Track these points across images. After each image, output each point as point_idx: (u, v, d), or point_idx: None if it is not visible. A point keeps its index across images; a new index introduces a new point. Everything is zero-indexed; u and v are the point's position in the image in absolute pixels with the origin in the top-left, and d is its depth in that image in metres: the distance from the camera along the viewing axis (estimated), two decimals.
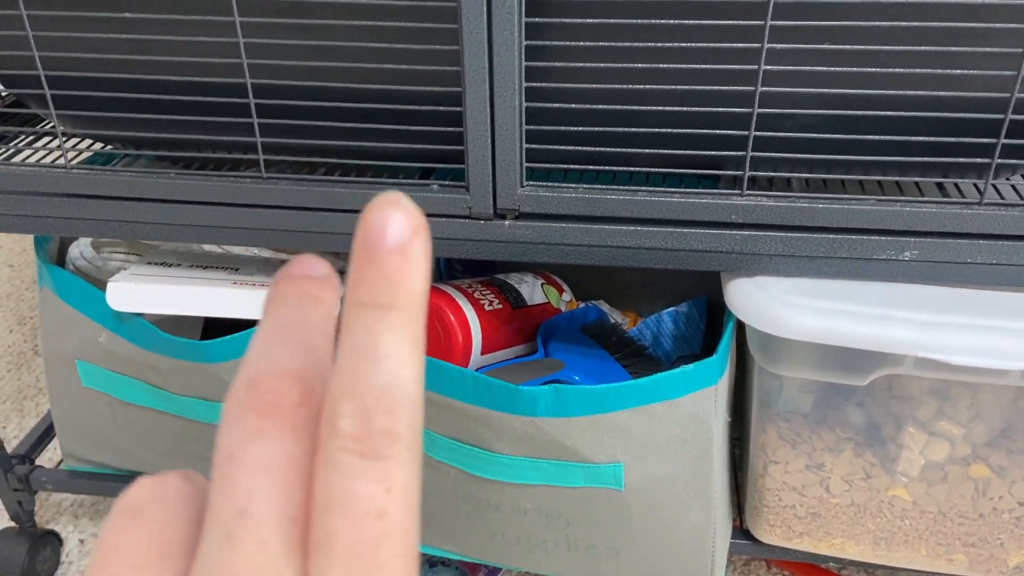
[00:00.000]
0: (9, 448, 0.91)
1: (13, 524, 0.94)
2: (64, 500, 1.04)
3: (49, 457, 1.07)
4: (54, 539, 0.97)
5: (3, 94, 0.75)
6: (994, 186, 0.66)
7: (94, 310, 0.75)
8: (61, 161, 0.67)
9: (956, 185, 0.69)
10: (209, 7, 0.60)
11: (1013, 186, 0.66)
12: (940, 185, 0.68)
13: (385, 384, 0.15)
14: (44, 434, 0.95)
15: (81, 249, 0.84)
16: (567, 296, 0.90)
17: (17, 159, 0.70)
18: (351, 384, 0.15)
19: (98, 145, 0.74)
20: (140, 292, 0.71)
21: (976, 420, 0.66)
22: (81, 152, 0.70)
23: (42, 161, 0.69)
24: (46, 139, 0.74)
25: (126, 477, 0.88)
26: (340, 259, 0.87)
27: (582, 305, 0.90)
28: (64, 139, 0.67)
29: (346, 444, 0.15)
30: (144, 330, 0.74)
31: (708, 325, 0.90)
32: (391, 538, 0.15)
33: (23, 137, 0.73)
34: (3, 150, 0.70)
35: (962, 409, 0.66)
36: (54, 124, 0.66)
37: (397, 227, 0.16)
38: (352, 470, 0.15)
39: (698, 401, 0.63)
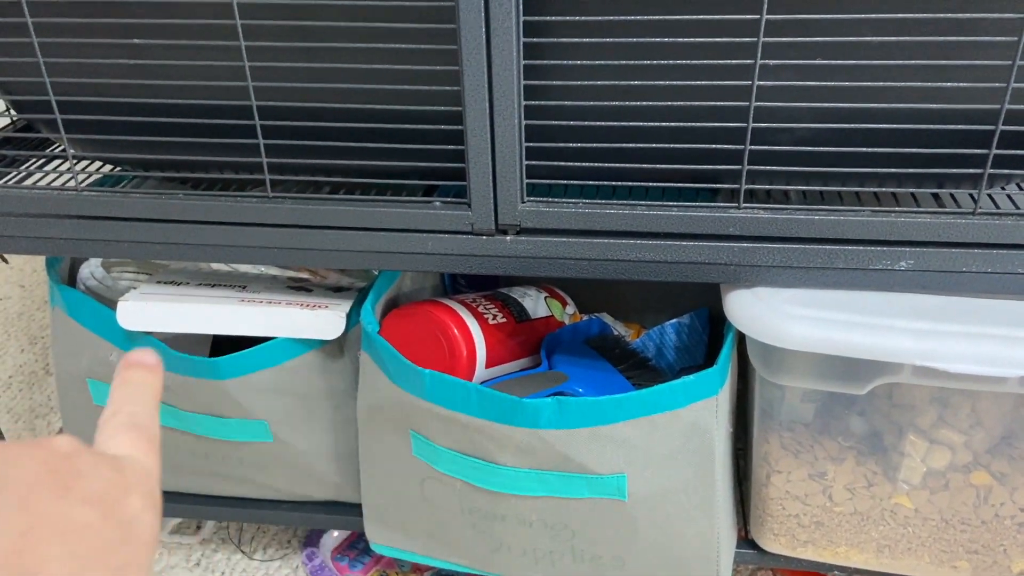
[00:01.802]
0: None
1: None
2: None
3: None
4: None
5: (15, 119, 0.76)
6: (990, 196, 0.67)
7: (105, 329, 0.76)
8: (71, 184, 0.68)
9: (952, 195, 0.69)
10: (215, 32, 0.61)
11: (1009, 195, 0.67)
12: (936, 196, 0.69)
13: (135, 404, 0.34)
14: None
15: (92, 269, 0.86)
16: (571, 309, 0.91)
17: (28, 182, 0.72)
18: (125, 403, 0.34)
19: (107, 167, 0.76)
20: (150, 311, 0.72)
21: (977, 427, 0.66)
22: (91, 175, 0.72)
23: (53, 184, 0.71)
24: (56, 162, 0.75)
25: None
26: (346, 275, 0.88)
27: (586, 318, 0.91)
28: (74, 162, 0.69)
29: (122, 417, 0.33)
30: (154, 348, 0.75)
31: (711, 336, 0.91)
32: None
33: (34, 160, 0.75)
34: (15, 174, 0.72)
35: (962, 417, 0.66)
36: (64, 147, 0.68)
37: (151, 356, 0.36)
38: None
39: (699, 412, 0.64)
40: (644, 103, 0.60)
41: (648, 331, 0.90)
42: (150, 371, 0.35)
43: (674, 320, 0.90)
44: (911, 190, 0.65)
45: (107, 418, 0.32)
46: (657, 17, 0.56)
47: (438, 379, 0.65)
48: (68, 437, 0.28)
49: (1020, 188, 0.68)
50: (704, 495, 0.67)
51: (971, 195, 0.62)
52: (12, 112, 0.71)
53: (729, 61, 0.57)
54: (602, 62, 0.59)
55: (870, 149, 0.59)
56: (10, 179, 0.72)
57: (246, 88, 0.62)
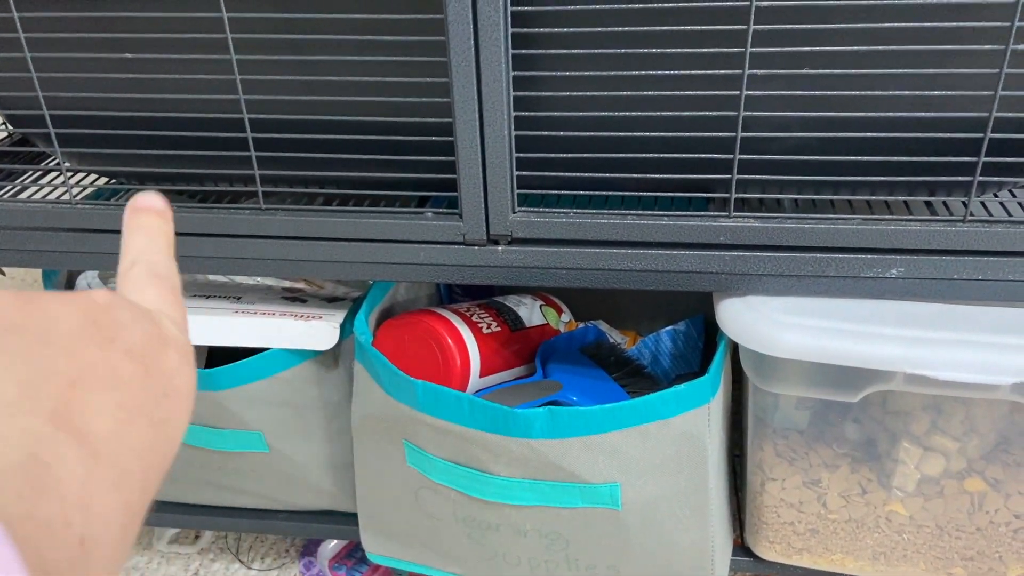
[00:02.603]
0: None
1: None
2: None
3: None
4: None
5: (11, 132, 0.77)
6: (982, 203, 0.67)
7: None
8: (66, 197, 0.69)
9: (944, 203, 0.69)
10: (207, 46, 0.62)
11: (1001, 203, 0.67)
12: (929, 203, 0.69)
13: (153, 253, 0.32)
14: None
15: (89, 280, 0.86)
16: (566, 317, 0.91)
17: (23, 196, 0.72)
18: (142, 252, 0.31)
19: (102, 180, 0.76)
20: None
21: (970, 434, 0.66)
22: (85, 188, 0.72)
23: (47, 197, 0.71)
24: (52, 175, 0.76)
25: None
26: (342, 285, 0.88)
27: (581, 326, 0.91)
28: (69, 175, 0.69)
29: (141, 267, 0.31)
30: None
31: (706, 343, 0.91)
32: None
33: (29, 174, 0.75)
34: (10, 187, 0.72)
35: (956, 423, 0.66)
36: (59, 161, 0.68)
37: (156, 200, 0.33)
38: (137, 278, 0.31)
39: (691, 420, 0.64)
40: (634, 113, 0.60)
41: (644, 338, 0.90)
42: (160, 216, 0.32)
43: (669, 327, 0.90)
44: (903, 198, 0.65)
45: (126, 269, 0.30)
46: (646, 28, 0.57)
47: (430, 389, 0.65)
48: (105, 290, 0.27)
49: (1013, 195, 0.68)
50: (698, 503, 0.67)
51: (963, 202, 0.62)
52: (8, 126, 0.71)
53: (718, 71, 0.57)
54: (592, 73, 0.59)
55: (860, 158, 0.59)
56: (6, 193, 0.72)
57: (238, 101, 0.62)
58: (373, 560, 0.82)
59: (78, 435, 0.21)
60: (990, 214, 0.64)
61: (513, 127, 0.60)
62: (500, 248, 0.65)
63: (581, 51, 0.58)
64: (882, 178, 0.61)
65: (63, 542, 0.20)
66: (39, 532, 0.19)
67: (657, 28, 0.56)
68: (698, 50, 0.57)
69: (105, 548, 0.21)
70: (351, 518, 0.83)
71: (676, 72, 0.58)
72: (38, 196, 0.72)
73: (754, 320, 0.63)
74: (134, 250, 0.31)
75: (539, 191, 0.64)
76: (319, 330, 0.73)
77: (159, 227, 0.32)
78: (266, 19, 0.60)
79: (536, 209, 0.64)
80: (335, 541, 0.97)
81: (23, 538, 0.19)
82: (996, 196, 0.67)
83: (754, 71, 0.57)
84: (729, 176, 0.61)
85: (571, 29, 0.57)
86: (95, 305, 0.25)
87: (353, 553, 0.97)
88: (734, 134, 0.59)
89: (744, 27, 0.55)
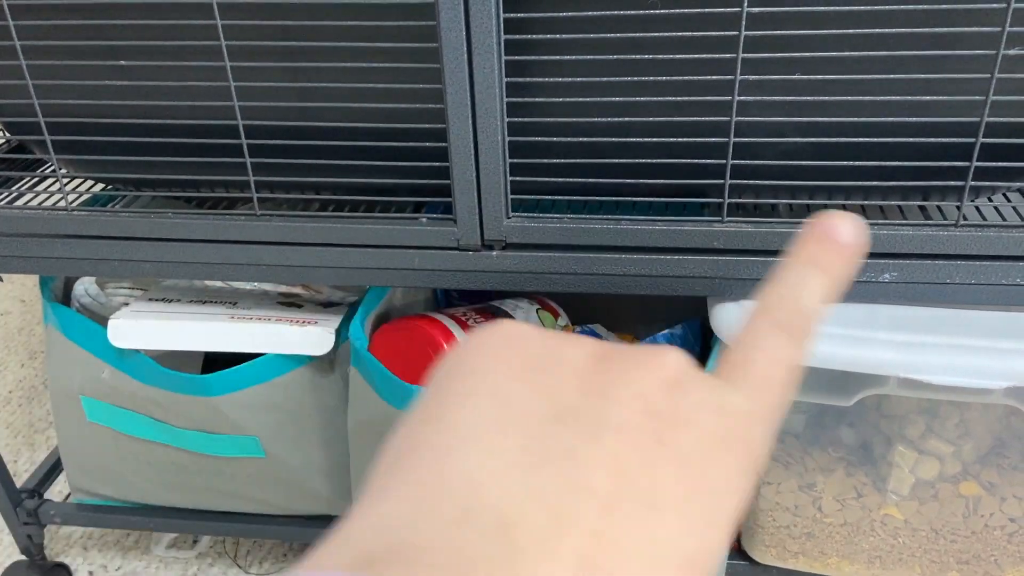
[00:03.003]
0: (20, 481, 0.93)
1: (24, 557, 0.96)
2: (74, 532, 1.06)
3: (59, 490, 1.08)
4: (64, 572, 0.98)
5: (8, 138, 0.77)
6: (976, 207, 0.67)
7: (97, 347, 0.77)
8: (62, 204, 0.69)
9: (938, 207, 0.70)
10: (202, 52, 0.62)
11: (995, 207, 0.67)
12: (923, 208, 0.69)
13: (804, 306, 0.24)
14: (53, 468, 0.97)
15: (86, 286, 0.86)
16: (563, 321, 0.91)
17: (20, 202, 0.72)
18: (790, 298, 0.24)
19: (98, 187, 0.76)
20: (140, 329, 0.73)
21: (965, 438, 0.66)
22: (82, 195, 0.73)
23: (44, 204, 0.71)
24: (48, 182, 0.76)
25: (132, 510, 0.89)
26: (339, 289, 0.88)
27: (578, 330, 0.91)
28: (65, 181, 0.69)
29: (776, 323, 0.24)
30: (145, 365, 0.76)
31: (703, 346, 0.91)
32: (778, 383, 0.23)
33: (26, 180, 0.75)
34: (6, 194, 0.73)
35: (950, 427, 0.66)
36: (55, 167, 0.69)
37: (851, 231, 0.26)
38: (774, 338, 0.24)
39: None
40: (627, 119, 0.60)
41: (641, 342, 0.90)
42: (838, 253, 0.25)
43: (666, 331, 0.90)
44: (896, 203, 0.65)
45: (759, 315, 0.24)
46: (639, 34, 0.57)
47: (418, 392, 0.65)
48: (677, 352, 0.22)
49: (1007, 199, 0.68)
50: None
51: (956, 207, 0.62)
52: (4, 133, 0.71)
53: (711, 77, 0.58)
54: (584, 78, 0.59)
55: (853, 163, 0.60)
56: (2, 199, 0.72)
57: (233, 108, 0.62)
58: None
59: None
60: (984, 218, 0.64)
61: (507, 133, 0.60)
62: (495, 253, 0.66)
63: (574, 57, 0.58)
64: (875, 183, 0.61)
65: None
66: None
67: (650, 34, 0.57)
68: (690, 56, 0.57)
69: None
70: None
71: (668, 78, 0.58)
72: (35, 203, 0.72)
73: None
74: (781, 293, 0.24)
75: (533, 196, 0.64)
76: (315, 335, 0.73)
77: (839, 271, 0.25)
78: (260, 25, 0.60)
79: (530, 214, 0.64)
80: None
81: None
82: (990, 200, 0.67)
83: (746, 76, 0.57)
84: (723, 181, 0.61)
85: (564, 35, 0.58)
86: (661, 382, 0.21)
87: None
88: (727, 139, 0.59)
89: (736, 33, 0.55)
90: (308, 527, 0.87)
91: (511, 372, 0.21)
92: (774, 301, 0.24)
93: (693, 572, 0.19)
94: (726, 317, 0.65)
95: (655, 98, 0.59)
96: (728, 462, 0.20)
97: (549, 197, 0.64)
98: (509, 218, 0.64)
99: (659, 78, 0.58)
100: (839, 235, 0.25)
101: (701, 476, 0.20)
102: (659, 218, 0.63)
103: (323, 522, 0.86)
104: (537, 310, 0.88)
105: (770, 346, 0.23)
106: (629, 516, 0.18)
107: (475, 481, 0.18)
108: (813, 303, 0.24)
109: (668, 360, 0.21)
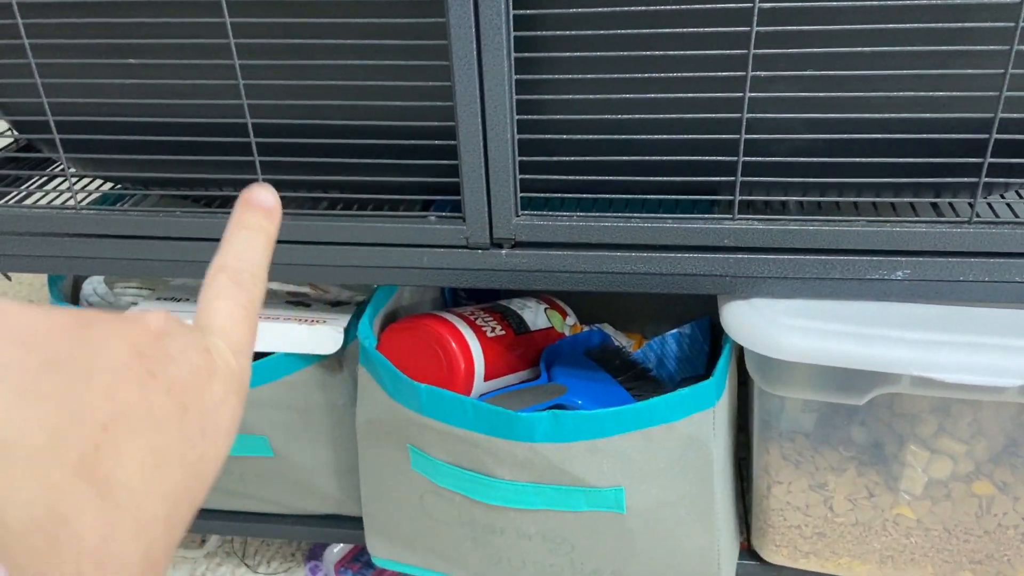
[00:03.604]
0: None
1: None
2: None
3: None
4: None
5: (17, 138, 0.77)
6: (989, 204, 0.66)
7: None
8: (71, 203, 0.69)
9: (951, 204, 0.69)
10: (211, 50, 0.62)
11: (1008, 204, 0.67)
12: (935, 205, 0.68)
13: (250, 261, 0.30)
14: None
15: (94, 286, 0.86)
16: (571, 320, 0.91)
17: (29, 201, 0.72)
18: (237, 256, 0.30)
19: (107, 185, 0.76)
20: None
21: (978, 437, 0.66)
22: (90, 193, 0.72)
23: (53, 203, 0.71)
24: (56, 181, 0.76)
25: None
26: (347, 288, 0.88)
27: (586, 329, 0.90)
28: (74, 180, 0.69)
29: (230, 276, 0.30)
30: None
31: (712, 345, 0.90)
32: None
33: (35, 179, 0.75)
34: (15, 193, 0.73)
35: (963, 426, 0.66)
36: (64, 166, 0.69)
37: (270, 197, 0.32)
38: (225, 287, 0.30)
39: (696, 424, 0.64)
40: (638, 116, 0.60)
41: (649, 341, 0.90)
42: (267, 215, 0.31)
43: (675, 330, 0.90)
44: (909, 200, 0.65)
45: (213, 274, 0.29)
46: (649, 30, 0.56)
47: (435, 394, 0.65)
48: (162, 313, 0.26)
49: (1020, 196, 0.68)
50: (703, 507, 0.67)
51: (969, 204, 0.61)
52: (13, 132, 0.71)
53: (722, 73, 0.57)
54: (594, 75, 0.59)
55: (865, 159, 0.59)
56: (11, 198, 0.73)
57: (242, 106, 0.62)
58: (379, 564, 0.82)
59: (102, 485, 0.21)
60: (996, 215, 0.63)
61: (516, 130, 0.60)
62: (504, 252, 0.65)
63: (584, 54, 0.58)
64: (887, 179, 0.61)
65: None
66: None
67: (660, 31, 0.56)
68: (702, 52, 0.57)
69: None
70: (357, 522, 0.83)
71: (680, 74, 0.58)
72: (43, 202, 0.72)
73: (759, 323, 0.63)
74: (228, 253, 0.30)
75: (543, 194, 0.63)
76: (323, 334, 0.73)
77: (262, 228, 0.31)
78: (269, 24, 0.60)
79: (539, 212, 0.64)
80: (341, 545, 0.97)
81: None
82: (1003, 197, 0.67)
83: (757, 73, 0.56)
84: (733, 178, 0.60)
85: (574, 32, 0.57)
86: (146, 333, 0.24)
87: (359, 557, 0.97)
88: (738, 136, 0.58)
89: (747, 28, 0.55)
90: (317, 526, 0.86)
91: None
92: (227, 260, 0.30)
93: (196, 473, 0.24)
94: (736, 315, 0.65)
95: (665, 95, 0.59)
96: (216, 387, 0.26)
97: (558, 195, 0.63)
98: (518, 216, 0.63)
99: (669, 75, 0.58)
100: (263, 201, 0.31)
101: (196, 399, 0.24)
102: (669, 216, 0.63)
103: (332, 521, 0.86)
104: (545, 309, 0.88)
105: (230, 295, 0.29)
106: (131, 431, 0.22)
107: None
108: (257, 257, 0.30)
109: (152, 317, 0.25)
